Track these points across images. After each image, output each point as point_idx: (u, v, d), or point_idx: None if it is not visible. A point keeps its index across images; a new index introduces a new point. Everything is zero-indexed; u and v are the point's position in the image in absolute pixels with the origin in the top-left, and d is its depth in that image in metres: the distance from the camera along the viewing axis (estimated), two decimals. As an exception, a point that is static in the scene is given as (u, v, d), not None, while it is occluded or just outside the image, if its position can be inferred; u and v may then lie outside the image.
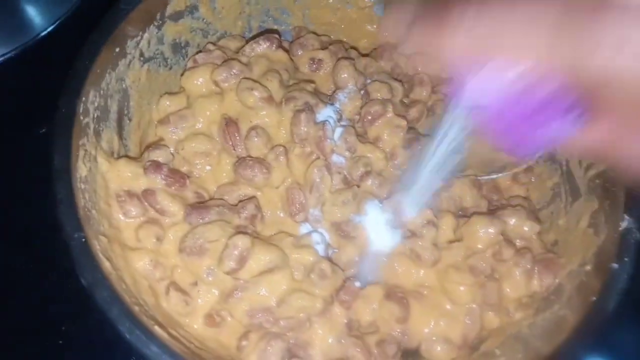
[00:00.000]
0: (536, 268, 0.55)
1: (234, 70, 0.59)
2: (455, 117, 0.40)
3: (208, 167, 0.59)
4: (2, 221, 0.67)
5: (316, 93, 0.61)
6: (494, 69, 0.29)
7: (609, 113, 0.30)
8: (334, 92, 0.63)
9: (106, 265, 0.47)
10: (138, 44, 0.58)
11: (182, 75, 0.62)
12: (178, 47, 0.63)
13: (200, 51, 0.64)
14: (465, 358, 0.54)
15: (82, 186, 0.49)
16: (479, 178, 0.60)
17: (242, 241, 0.51)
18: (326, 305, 0.53)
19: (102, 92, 0.54)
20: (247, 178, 0.56)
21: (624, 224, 0.50)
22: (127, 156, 0.57)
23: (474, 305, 0.55)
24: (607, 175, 0.53)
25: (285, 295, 0.52)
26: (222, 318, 0.53)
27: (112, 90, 0.55)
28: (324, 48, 0.66)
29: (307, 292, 0.52)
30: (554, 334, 0.49)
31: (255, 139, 0.57)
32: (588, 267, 0.51)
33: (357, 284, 0.56)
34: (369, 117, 0.60)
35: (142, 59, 0.59)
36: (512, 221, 0.58)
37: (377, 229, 0.57)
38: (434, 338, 0.54)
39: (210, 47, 0.63)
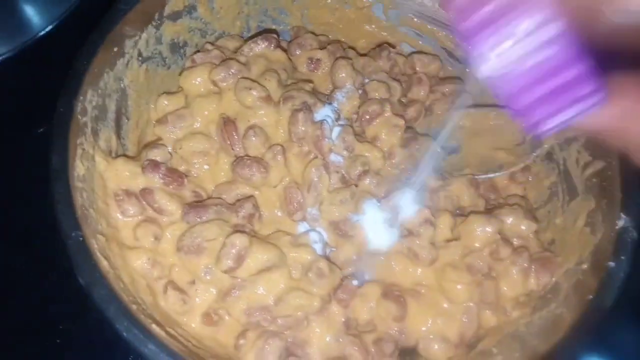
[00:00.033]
0: (533, 267, 0.56)
1: (232, 70, 0.59)
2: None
3: (206, 167, 0.59)
4: (1, 221, 0.67)
5: (314, 92, 0.61)
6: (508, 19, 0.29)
7: (623, 92, 0.31)
8: (332, 91, 0.63)
9: (104, 264, 0.47)
10: (136, 43, 0.58)
11: (180, 74, 0.62)
12: (176, 47, 0.63)
13: (198, 51, 0.64)
14: (463, 357, 0.55)
15: (80, 185, 0.49)
16: (476, 177, 0.61)
17: (239, 240, 0.51)
18: (324, 304, 0.53)
19: (100, 91, 0.54)
20: (245, 177, 0.56)
21: (620, 223, 0.50)
22: (125, 155, 0.57)
23: (471, 304, 0.55)
24: (604, 175, 0.53)
25: (283, 293, 0.52)
26: (220, 317, 0.53)
27: (110, 90, 0.56)
28: (322, 48, 0.66)
29: (305, 290, 0.53)
30: (551, 333, 0.49)
31: (253, 138, 0.57)
32: (585, 266, 0.52)
33: (355, 282, 0.56)
34: (367, 117, 0.61)
35: (140, 58, 0.59)
36: (510, 220, 0.58)
37: (375, 227, 0.57)
38: (431, 336, 0.54)
39: (209, 46, 0.63)
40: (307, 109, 0.57)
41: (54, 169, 0.48)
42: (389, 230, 0.57)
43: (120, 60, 0.56)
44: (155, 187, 0.55)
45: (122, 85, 0.57)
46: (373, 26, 0.72)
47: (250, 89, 0.57)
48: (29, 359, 0.62)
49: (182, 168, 0.58)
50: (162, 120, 0.59)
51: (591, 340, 0.47)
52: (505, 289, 0.56)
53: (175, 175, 0.56)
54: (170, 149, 0.58)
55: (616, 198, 0.51)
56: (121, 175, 0.54)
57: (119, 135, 0.58)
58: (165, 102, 0.60)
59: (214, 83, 0.59)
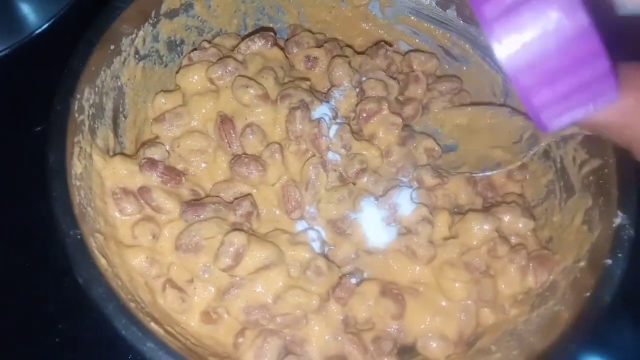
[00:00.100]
0: (531, 264, 0.56)
1: (229, 68, 0.59)
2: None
3: (204, 165, 0.59)
4: (0, 220, 0.66)
5: (311, 91, 0.61)
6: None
7: (628, 87, 0.31)
8: (329, 89, 0.63)
9: (102, 262, 0.47)
10: (133, 41, 0.58)
11: (177, 72, 0.62)
12: (173, 45, 0.63)
13: (195, 49, 0.64)
14: (461, 354, 0.55)
15: (78, 183, 0.49)
16: (473, 175, 0.61)
17: (238, 238, 0.51)
18: (322, 302, 0.53)
19: (97, 89, 0.54)
20: (243, 175, 0.56)
21: (617, 221, 0.50)
22: (122, 154, 0.57)
23: (469, 302, 0.55)
24: (601, 172, 0.53)
25: (281, 292, 0.52)
26: (219, 315, 0.53)
27: (107, 88, 0.55)
28: (319, 46, 0.66)
29: (303, 289, 0.53)
30: (549, 330, 0.49)
31: (251, 137, 0.57)
32: (582, 264, 0.52)
33: (353, 280, 0.56)
34: (364, 115, 0.61)
35: (137, 56, 0.59)
36: (507, 218, 0.58)
37: (373, 226, 0.57)
38: (429, 334, 0.54)
39: (206, 44, 0.63)
40: (305, 107, 0.57)
41: (51, 167, 0.47)
42: (387, 229, 0.57)
43: (117, 58, 0.56)
44: (153, 186, 0.54)
45: (119, 83, 0.57)
46: (370, 24, 0.72)
47: (247, 87, 0.57)
48: (28, 359, 0.62)
49: (179, 166, 0.58)
50: (159, 119, 0.59)
51: (589, 337, 0.47)
52: (503, 286, 0.56)
53: (173, 174, 0.56)
54: (167, 147, 0.58)
55: (613, 196, 0.51)
56: (119, 173, 0.54)
57: (116, 134, 0.57)
58: (163, 100, 0.60)
59: (211, 81, 0.59)
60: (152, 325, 0.46)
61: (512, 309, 0.56)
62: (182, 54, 0.64)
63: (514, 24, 0.30)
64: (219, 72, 0.58)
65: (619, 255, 0.49)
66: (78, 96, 0.51)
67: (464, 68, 0.69)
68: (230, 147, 0.58)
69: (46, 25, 0.75)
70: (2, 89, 0.73)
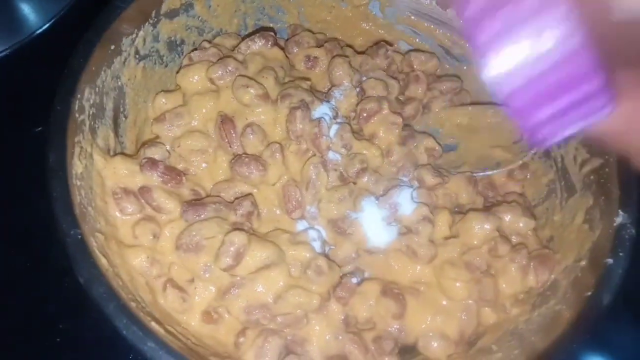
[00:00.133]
0: (532, 264, 0.56)
1: (230, 68, 0.59)
2: None
3: (204, 165, 0.59)
4: (1, 221, 0.66)
5: (312, 90, 0.61)
6: (519, 15, 0.29)
7: (625, 95, 0.30)
8: (330, 89, 0.63)
9: (103, 262, 0.47)
10: (133, 41, 0.58)
11: (177, 72, 0.62)
12: (173, 45, 0.63)
13: (195, 49, 0.64)
14: (462, 354, 0.55)
15: (78, 183, 0.49)
16: (474, 175, 0.61)
17: (238, 238, 0.51)
18: (323, 302, 0.53)
19: (97, 89, 0.54)
20: (243, 175, 0.56)
21: (618, 220, 0.50)
22: (123, 153, 0.57)
23: (470, 301, 0.55)
24: (602, 172, 0.53)
25: (282, 291, 0.52)
26: (219, 315, 0.53)
27: (107, 88, 0.55)
28: (319, 46, 0.66)
29: (304, 288, 0.53)
30: (550, 329, 0.49)
31: (251, 136, 0.57)
32: (583, 263, 0.52)
33: (354, 280, 0.56)
34: (365, 114, 0.61)
35: (137, 56, 0.59)
36: (508, 217, 0.58)
37: (374, 225, 0.57)
38: (430, 334, 0.54)
39: (206, 44, 0.63)
40: (305, 106, 0.57)
41: (51, 167, 0.47)
42: (387, 228, 0.57)
43: (118, 58, 0.56)
44: (153, 185, 0.54)
45: (119, 83, 0.57)
46: (370, 24, 0.72)
47: (247, 86, 0.57)
48: (29, 359, 0.62)
49: (180, 166, 0.58)
50: (159, 119, 0.59)
51: (589, 336, 0.47)
52: (504, 286, 0.56)
53: (173, 174, 0.56)
54: (168, 147, 0.58)
55: (614, 195, 0.51)
56: (119, 173, 0.54)
57: (117, 134, 0.57)
58: (163, 100, 0.60)
59: (212, 81, 0.59)
60: (153, 324, 0.46)
61: (513, 308, 0.55)
62: (182, 54, 0.64)
63: (505, 47, 0.30)
64: (219, 72, 0.58)
65: (620, 254, 0.49)
66: (78, 96, 0.51)
67: (465, 68, 0.69)
68: (230, 146, 0.58)
69: (47, 25, 0.75)
70: (2, 89, 0.73)
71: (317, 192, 0.57)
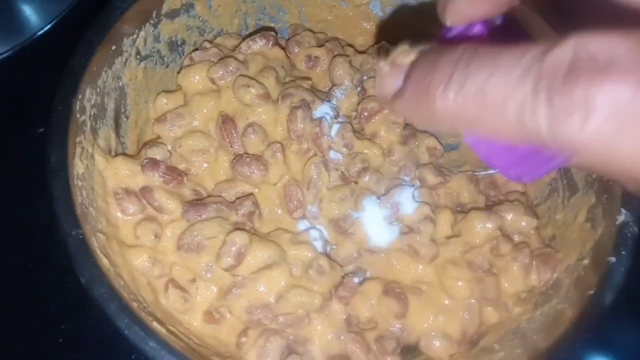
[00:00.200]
0: (534, 263, 0.55)
1: (231, 68, 0.59)
2: None
3: (205, 165, 0.59)
4: (1, 221, 0.67)
5: (313, 90, 0.61)
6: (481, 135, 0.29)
7: None
8: (331, 89, 0.63)
9: (104, 262, 0.47)
10: (134, 42, 0.58)
11: (178, 73, 0.62)
12: (174, 45, 0.63)
13: (196, 49, 0.64)
14: (465, 353, 0.54)
15: (79, 183, 0.49)
16: (476, 174, 0.61)
17: (240, 238, 0.51)
18: (325, 302, 0.53)
19: (98, 90, 0.54)
20: (245, 175, 0.56)
21: (621, 218, 0.50)
22: (124, 154, 0.57)
23: (472, 301, 0.55)
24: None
25: (283, 291, 0.52)
26: (221, 315, 0.53)
27: (108, 88, 0.55)
28: (320, 45, 0.66)
29: (306, 288, 0.53)
30: (553, 328, 0.49)
31: (252, 136, 0.57)
32: (586, 261, 0.52)
33: (356, 280, 0.56)
34: (366, 114, 0.61)
35: (138, 57, 0.59)
36: (510, 216, 0.58)
37: (375, 225, 0.57)
38: (432, 333, 0.54)
39: (207, 45, 0.63)
40: (306, 106, 0.57)
41: (53, 167, 0.47)
42: (389, 227, 0.57)
43: (119, 58, 0.56)
44: (155, 186, 0.54)
45: (120, 83, 0.57)
46: (371, 23, 0.72)
47: (248, 86, 0.57)
48: (29, 359, 0.62)
49: (181, 166, 0.58)
50: (161, 119, 0.59)
51: (592, 335, 0.47)
52: (507, 285, 0.56)
53: (174, 174, 0.56)
54: (169, 147, 0.58)
55: (616, 193, 0.51)
56: (121, 173, 0.54)
57: (118, 134, 0.57)
58: (164, 101, 0.60)
59: (213, 81, 0.59)
60: (155, 325, 0.46)
61: (516, 307, 0.55)
62: (183, 54, 0.64)
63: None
64: (220, 72, 0.58)
65: (623, 252, 0.48)
66: (80, 96, 0.51)
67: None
68: (231, 146, 0.58)
69: (48, 26, 0.75)
70: (4, 91, 0.74)
71: (318, 191, 0.57)
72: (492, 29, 0.32)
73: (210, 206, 0.54)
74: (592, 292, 0.48)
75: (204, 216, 0.54)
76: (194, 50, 0.63)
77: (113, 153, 0.56)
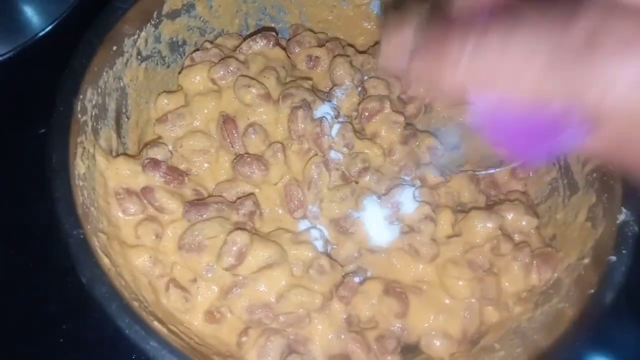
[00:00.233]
0: (534, 262, 0.56)
1: (231, 68, 0.59)
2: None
3: (206, 165, 0.59)
4: (1, 221, 0.67)
5: (313, 90, 0.61)
6: (493, 102, 0.28)
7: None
8: (331, 89, 0.63)
9: (105, 261, 0.47)
10: (135, 42, 0.58)
11: (179, 73, 0.62)
12: (175, 46, 0.63)
13: (197, 49, 0.64)
14: (465, 353, 0.54)
15: (81, 183, 0.49)
16: (476, 173, 0.61)
17: (240, 237, 0.51)
18: (325, 301, 0.53)
19: (100, 90, 0.54)
20: (245, 175, 0.56)
21: (621, 217, 0.50)
22: (125, 154, 0.57)
23: (473, 300, 0.55)
24: (605, 169, 0.53)
25: (284, 291, 0.52)
26: (222, 314, 0.53)
27: (110, 89, 0.56)
28: (321, 45, 0.66)
29: (306, 287, 0.53)
30: (553, 327, 0.49)
31: (253, 136, 0.57)
32: (586, 261, 0.52)
33: (356, 279, 0.56)
34: (367, 114, 0.61)
35: (139, 57, 0.59)
36: (510, 216, 0.58)
37: (376, 224, 0.57)
38: (433, 333, 0.54)
39: (208, 45, 0.63)
40: (307, 106, 0.57)
41: (54, 167, 0.48)
42: (389, 227, 0.57)
43: (120, 59, 0.56)
44: (156, 186, 0.55)
45: (121, 84, 0.57)
46: (372, 23, 0.72)
47: (249, 86, 0.57)
48: (30, 359, 0.62)
49: (182, 166, 0.58)
50: (162, 119, 0.59)
51: (592, 334, 0.47)
52: (507, 284, 0.56)
53: (175, 174, 0.56)
54: (170, 147, 0.58)
55: (617, 192, 0.51)
56: (122, 173, 0.54)
57: (119, 134, 0.57)
58: (165, 101, 0.61)
59: (213, 81, 0.59)
60: (156, 324, 0.46)
61: (516, 306, 0.55)
62: (184, 55, 0.65)
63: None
64: (221, 72, 0.59)
65: (623, 251, 0.49)
66: (81, 97, 0.51)
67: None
68: (232, 147, 0.58)
69: (49, 27, 0.75)
70: (5, 91, 0.74)
71: (319, 191, 0.57)
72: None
73: (211, 206, 0.54)
74: (592, 291, 0.48)
75: (204, 216, 0.54)
76: (194, 51, 0.63)
77: (114, 153, 0.56)
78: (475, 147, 0.62)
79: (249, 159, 0.56)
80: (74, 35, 0.53)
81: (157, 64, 0.62)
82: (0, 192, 0.68)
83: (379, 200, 0.58)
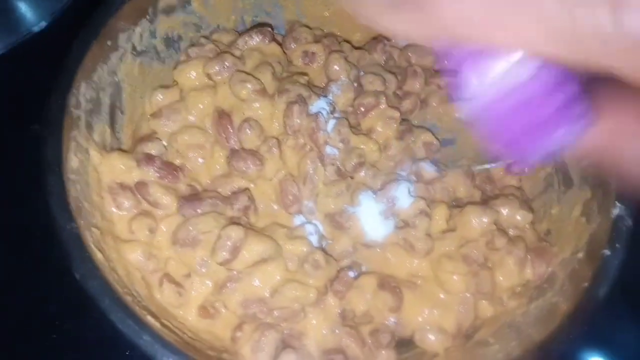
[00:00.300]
0: (529, 257, 0.56)
1: (227, 63, 0.59)
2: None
3: (201, 160, 0.59)
4: (1, 221, 0.67)
5: (309, 85, 0.61)
6: (491, 54, 0.28)
7: (609, 114, 0.29)
8: (327, 84, 0.63)
9: (98, 256, 0.47)
10: (130, 37, 0.58)
11: (174, 69, 0.62)
12: (171, 41, 0.63)
13: (193, 45, 0.64)
14: (459, 347, 0.54)
15: (74, 178, 0.49)
16: (472, 168, 0.61)
17: (235, 232, 0.51)
18: (320, 296, 0.53)
19: (94, 85, 0.54)
20: (241, 170, 0.56)
21: (615, 211, 0.50)
22: (119, 149, 0.57)
23: (467, 294, 0.55)
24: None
25: (278, 285, 0.52)
26: (216, 309, 0.53)
27: (104, 84, 0.56)
28: (317, 41, 0.66)
29: (301, 282, 0.53)
30: (547, 322, 0.49)
31: (248, 131, 0.57)
32: (580, 255, 0.52)
33: (351, 274, 0.56)
34: (362, 109, 0.61)
35: (134, 52, 0.59)
36: (505, 211, 0.58)
37: (371, 219, 0.57)
38: (427, 327, 0.54)
39: (203, 41, 0.63)
40: (302, 101, 0.57)
41: (47, 161, 0.48)
42: (384, 222, 0.57)
43: (114, 54, 0.56)
44: (150, 181, 0.55)
45: (116, 79, 0.57)
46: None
47: (245, 82, 0.57)
48: (29, 359, 0.62)
49: (177, 161, 0.58)
50: (156, 114, 0.59)
51: (586, 328, 0.47)
52: (502, 279, 0.56)
53: (170, 169, 0.56)
54: (165, 142, 0.58)
55: (611, 187, 0.51)
56: (116, 168, 0.54)
57: (113, 129, 0.57)
58: (160, 96, 0.60)
59: (209, 77, 0.59)
60: (149, 318, 0.46)
61: (510, 301, 0.55)
62: (179, 50, 0.64)
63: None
64: (217, 68, 0.59)
65: (617, 245, 0.49)
66: (75, 91, 0.51)
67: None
68: (227, 142, 0.58)
69: (44, 24, 0.75)
70: (1, 89, 0.73)
71: (314, 186, 0.57)
72: None
73: (206, 201, 0.54)
74: (586, 285, 0.48)
75: (199, 211, 0.54)
76: (190, 46, 0.63)
77: (108, 148, 0.56)
78: (470, 142, 0.62)
79: (244, 154, 0.56)
80: (69, 32, 0.53)
81: (152, 59, 0.62)
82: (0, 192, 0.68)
83: (374, 196, 0.57)
